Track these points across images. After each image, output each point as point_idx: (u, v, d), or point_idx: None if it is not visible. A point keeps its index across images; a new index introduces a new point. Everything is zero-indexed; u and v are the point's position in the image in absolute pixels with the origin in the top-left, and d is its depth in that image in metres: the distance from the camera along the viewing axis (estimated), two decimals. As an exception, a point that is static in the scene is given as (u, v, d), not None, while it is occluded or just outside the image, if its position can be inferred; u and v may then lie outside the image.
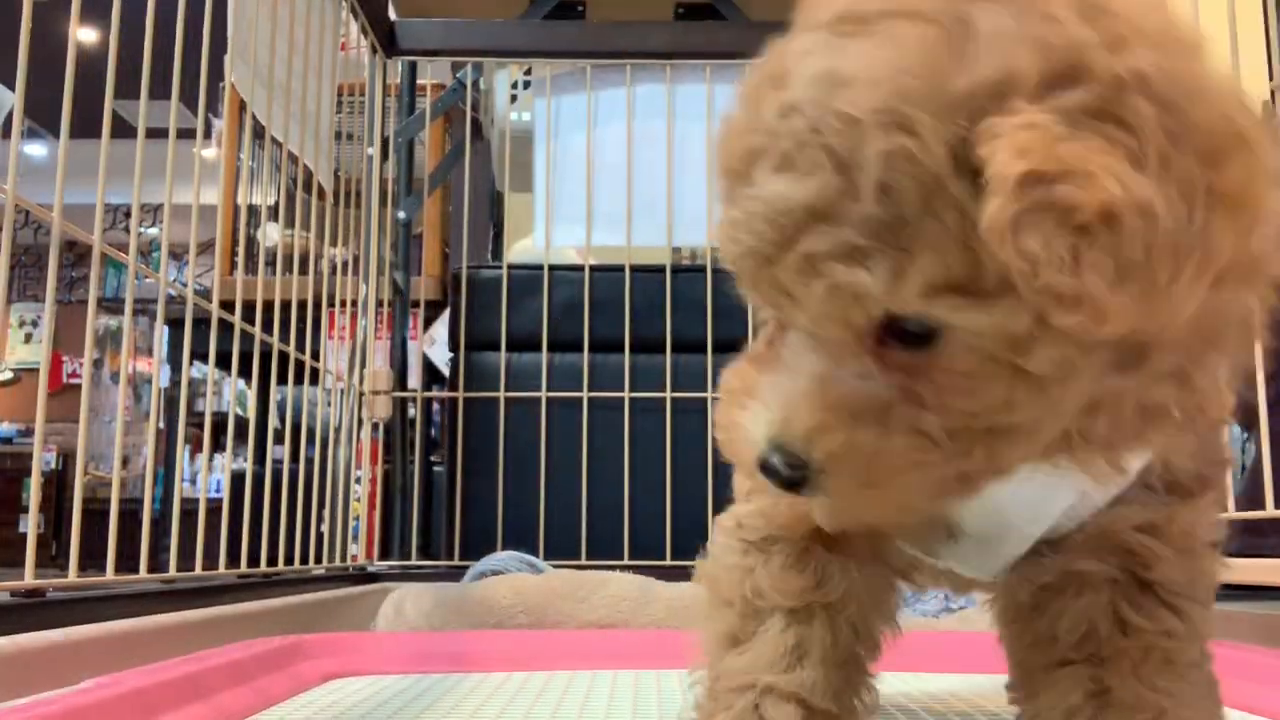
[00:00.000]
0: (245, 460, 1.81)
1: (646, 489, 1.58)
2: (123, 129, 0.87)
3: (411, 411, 1.81)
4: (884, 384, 0.35)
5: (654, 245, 1.72)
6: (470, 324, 1.71)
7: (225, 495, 1.91)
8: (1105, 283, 0.30)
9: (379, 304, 1.69)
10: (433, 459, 2.06)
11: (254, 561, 1.19)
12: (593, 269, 1.71)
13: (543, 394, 1.65)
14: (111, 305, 4.90)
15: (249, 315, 1.19)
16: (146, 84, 0.96)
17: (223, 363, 1.72)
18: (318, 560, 1.39)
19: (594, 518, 1.58)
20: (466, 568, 1.40)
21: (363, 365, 1.63)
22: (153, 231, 5.87)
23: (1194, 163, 0.31)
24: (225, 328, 1.16)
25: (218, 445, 4.16)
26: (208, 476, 1.16)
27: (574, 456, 1.61)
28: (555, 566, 1.40)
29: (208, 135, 2.10)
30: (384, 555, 1.76)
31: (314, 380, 1.47)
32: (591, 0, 2.00)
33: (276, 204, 1.64)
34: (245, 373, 1.21)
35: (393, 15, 1.79)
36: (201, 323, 1.08)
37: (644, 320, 1.65)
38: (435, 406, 2.23)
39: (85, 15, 0.84)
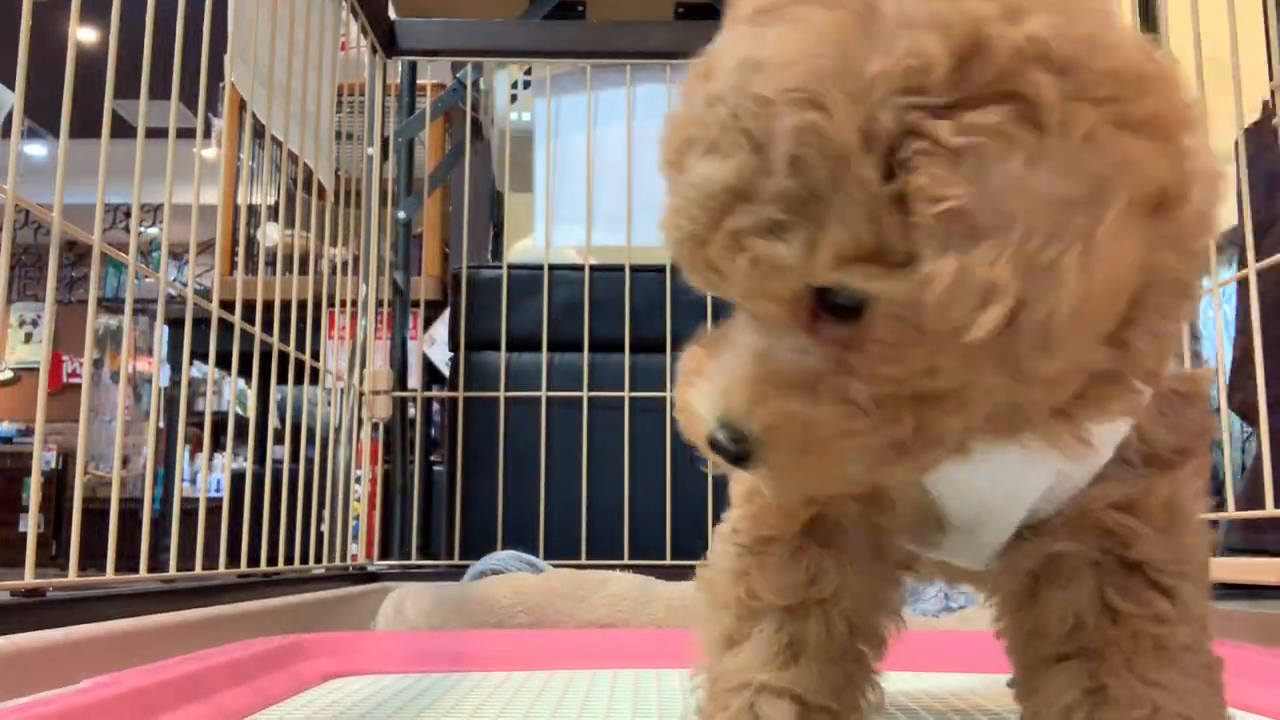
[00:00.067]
0: (245, 460, 1.81)
1: (646, 489, 1.58)
2: (123, 129, 0.87)
3: (411, 411, 1.81)
4: (819, 357, 0.37)
5: (654, 245, 1.71)
6: (470, 324, 1.71)
7: (225, 495, 1.91)
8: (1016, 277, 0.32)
9: (379, 304, 1.69)
10: (433, 459, 2.06)
11: (254, 561, 1.19)
12: (593, 269, 1.71)
13: (543, 394, 1.65)
14: (111, 305, 4.90)
15: (249, 315, 1.19)
16: (146, 84, 0.96)
17: (223, 362, 1.72)
18: (318, 560, 1.39)
19: (594, 518, 1.58)
20: (466, 567, 1.40)
21: (363, 365, 1.63)
22: (153, 231, 5.87)
23: (1102, 110, 0.32)
24: (225, 327, 1.16)
25: (218, 445, 4.16)
26: (208, 476, 1.16)
27: (574, 456, 1.61)
28: (555, 566, 1.40)
29: (208, 135, 2.10)
30: (384, 555, 1.76)
31: (314, 380, 1.47)
32: (591, 0, 2.00)
33: (276, 204, 1.64)
34: (245, 372, 1.21)
35: (393, 15, 1.79)
36: (201, 322, 1.08)
37: (644, 320, 1.65)
38: (435, 406, 2.23)
39: (85, 15, 0.84)
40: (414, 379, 1.92)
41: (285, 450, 1.37)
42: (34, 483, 2.73)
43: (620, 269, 1.68)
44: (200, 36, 1.06)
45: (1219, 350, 1.13)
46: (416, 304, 1.94)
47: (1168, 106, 0.34)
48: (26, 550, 0.80)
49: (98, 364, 5.98)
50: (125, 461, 5.27)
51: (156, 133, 0.85)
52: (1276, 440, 1.00)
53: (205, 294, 1.15)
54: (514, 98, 2.15)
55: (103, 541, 0.91)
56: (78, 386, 2.97)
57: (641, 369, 1.65)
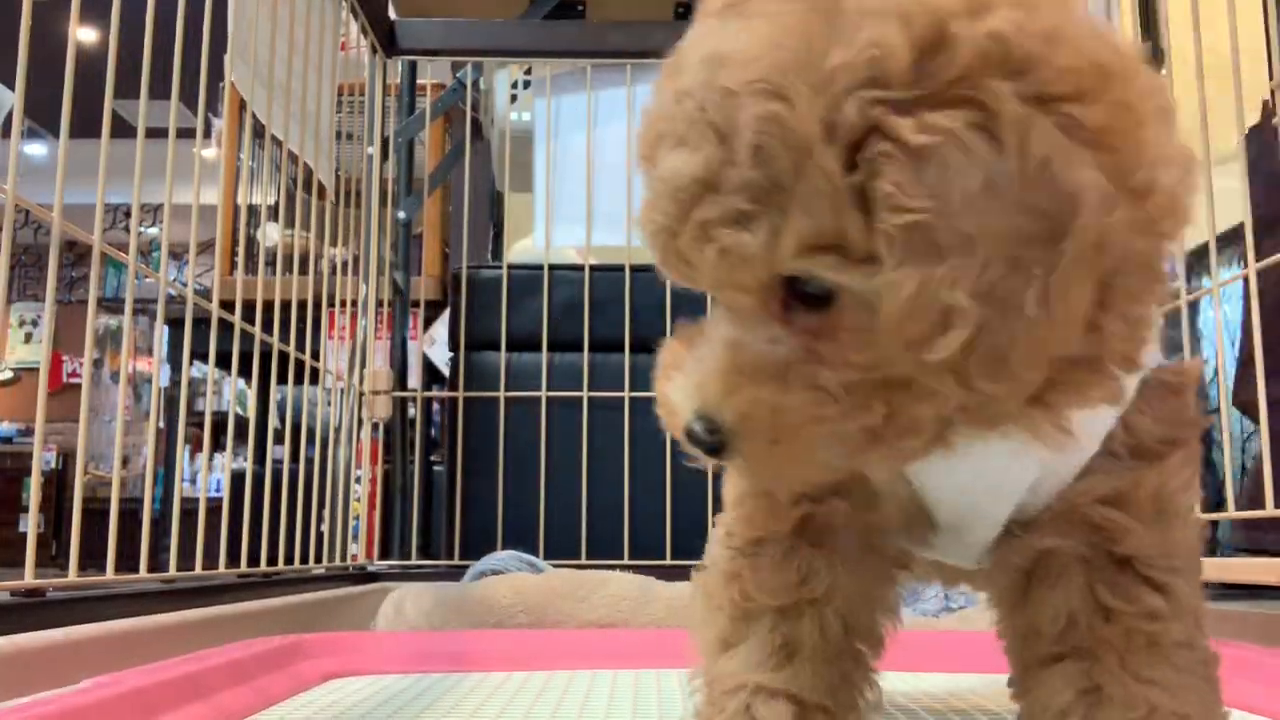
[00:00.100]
0: (245, 460, 1.81)
1: (646, 489, 1.58)
2: (123, 129, 0.87)
3: (411, 411, 1.81)
4: (791, 347, 0.37)
5: (655, 245, 1.71)
6: (470, 324, 1.71)
7: (225, 495, 1.91)
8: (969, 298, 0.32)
9: (379, 304, 1.69)
10: (433, 459, 2.06)
11: (254, 561, 1.19)
12: (593, 269, 1.71)
13: (543, 394, 1.65)
14: (111, 305, 4.90)
15: (249, 315, 1.19)
16: (146, 83, 0.96)
17: (223, 362, 1.72)
18: (318, 560, 1.39)
19: (594, 518, 1.58)
20: (466, 567, 1.40)
21: (363, 365, 1.63)
22: (153, 231, 5.87)
23: (1060, 119, 0.33)
24: (225, 327, 1.16)
25: (218, 445, 4.16)
26: (208, 476, 1.16)
27: (574, 456, 1.61)
28: (555, 566, 1.40)
29: (208, 135, 2.10)
30: (384, 555, 1.76)
31: (314, 380, 1.47)
32: (591, 0, 2.00)
33: (276, 204, 1.64)
34: (245, 372, 1.21)
35: (393, 15, 1.79)
36: (201, 322, 1.08)
37: (644, 320, 1.65)
38: (435, 406, 2.23)
39: (85, 15, 0.84)
40: (414, 379, 1.92)
41: (285, 450, 1.37)
42: (34, 483, 2.73)
43: (620, 269, 1.68)
44: (200, 36, 1.06)
45: (1219, 350, 1.13)
46: (416, 304, 1.94)
47: (1128, 101, 0.34)
48: (26, 550, 0.80)
49: (98, 364, 5.98)
50: (125, 461, 5.27)
51: (156, 133, 0.85)
52: (1277, 440, 1.00)
53: (205, 294, 1.15)
54: (514, 98, 2.15)
55: (103, 541, 0.91)
56: (78, 386, 2.97)
57: (641, 369, 1.64)
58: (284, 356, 1.32)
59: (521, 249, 2.24)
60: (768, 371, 0.37)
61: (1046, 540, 0.45)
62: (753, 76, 0.34)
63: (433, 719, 0.69)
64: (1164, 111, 0.35)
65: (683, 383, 0.39)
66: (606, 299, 1.68)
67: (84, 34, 1.17)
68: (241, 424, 3.46)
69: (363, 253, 1.66)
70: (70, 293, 6.09)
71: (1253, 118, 1.31)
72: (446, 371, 1.93)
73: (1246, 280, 1.01)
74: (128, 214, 1.06)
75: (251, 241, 2.34)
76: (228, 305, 1.15)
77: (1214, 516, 1.17)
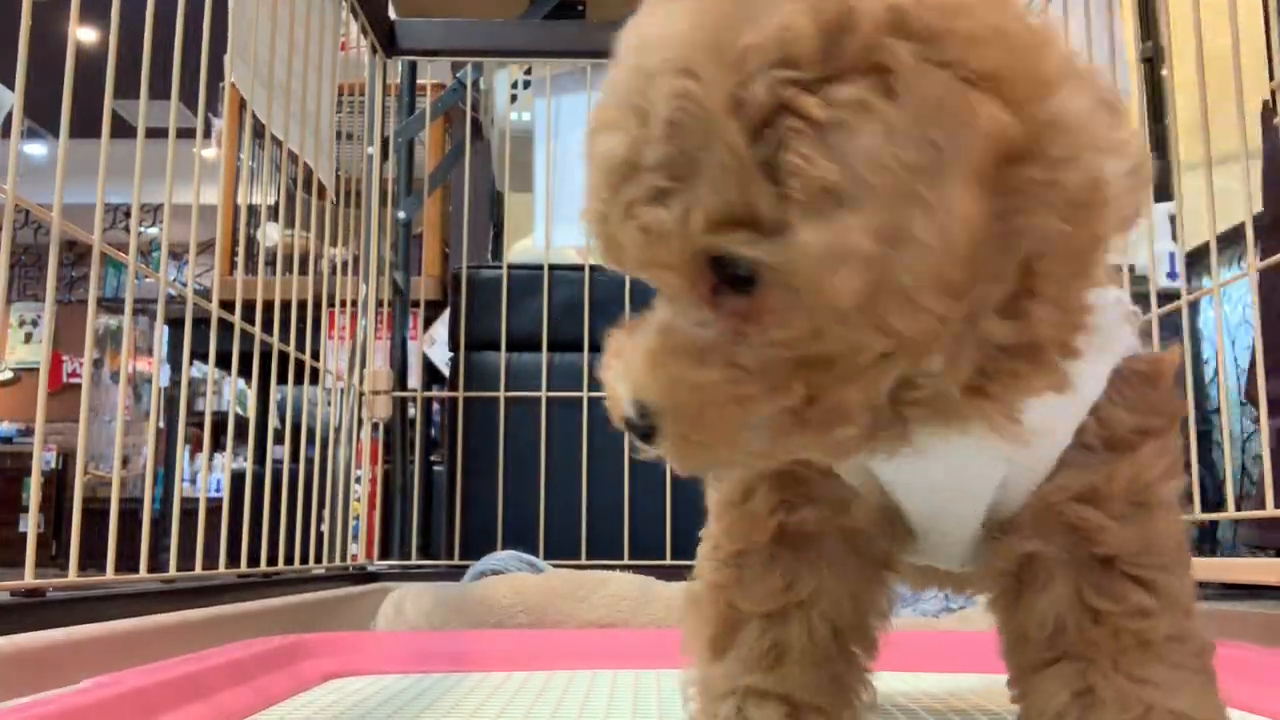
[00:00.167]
0: (245, 460, 1.81)
1: (646, 489, 1.58)
2: (122, 129, 0.87)
3: (411, 411, 1.81)
4: (719, 330, 0.37)
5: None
6: (470, 324, 1.71)
7: (225, 495, 1.91)
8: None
9: (379, 304, 1.69)
10: (433, 459, 2.06)
11: (254, 561, 1.19)
12: (593, 269, 1.71)
13: (543, 394, 1.65)
14: (111, 305, 4.90)
15: (249, 315, 1.19)
16: (146, 83, 0.96)
17: (223, 362, 1.72)
18: (318, 560, 1.39)
19: (594, 518, 1.58)
20: (466, 567, 1.39)
21: (363, 365, 1.63)
22: (153, 231, 5.88)
23: (953, 70, 0.33)
24: (225, 327, 1.16)
25: (218, 445, 4.16)
26: (208, 476, 1.16)
27: (574, 456, 1.61)
28: (555, 566, 1.40)
29: (208, 135, 2.10)
30: (384, 555, 1.76)
31: (314, 380, 1.47)
32: (591, 0, 2.00)
33: (276, 204, 1.64)
34: (245, 372, 1.21)
35: (393, 15, 1.79)
36: (201, 322, 1.08)
37: (644, 320, 1.65)
38: (435, 406, 2.23)
39: (85, 15, 0.84)
40: (414, 379, 1.92)
41: (285, 450, 1.37)
42: (34, 483, 2.73)
43: (620, 269, 1.68)
44: (200, 36, 1.06)
45: (1219, 350, 1.13)
46: (416, 304, 1.94)
47: (1022, 61, 0.34)
48: (26, 550, 0.80)
49: (98, 364, 5.98)
50: (125, 461, 5.27)
51: (156, 133, 0.85)
52: (1278, 440, 1.00)
53: (205, 294, 1.15)
54: (514, 98, 2.15)
55: (103, 541, 0.91)
56: (78, 386, 2.97)
57: (641, 369, 1.64)
58: (284, 356, 1.32)
59: (521, 249, 2.24)
60: (690, 352, 0.38)
61: (1027, 543, 0.45)
62: (668, 57, 0.35)
63: (433, 719, 0.69)
64: (1061, 79, 0.35)
65: (621, 370, 0.40)
66: (606, 299, 1.68)
67: (84, 34, 1.17)
68: (241, 424, 3.46)
69: (363, 253, 1.66)
70: (70, 293, 6.10)
71: (1253, 118, 1.31)
72: (446, 371, 1.93)
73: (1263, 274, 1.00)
74: (128, 214, 1.06)
75: (251, 241, 2.34)
76: (228, 305, 1.15)
77: (1214, 516, 1.17)
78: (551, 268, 1.70)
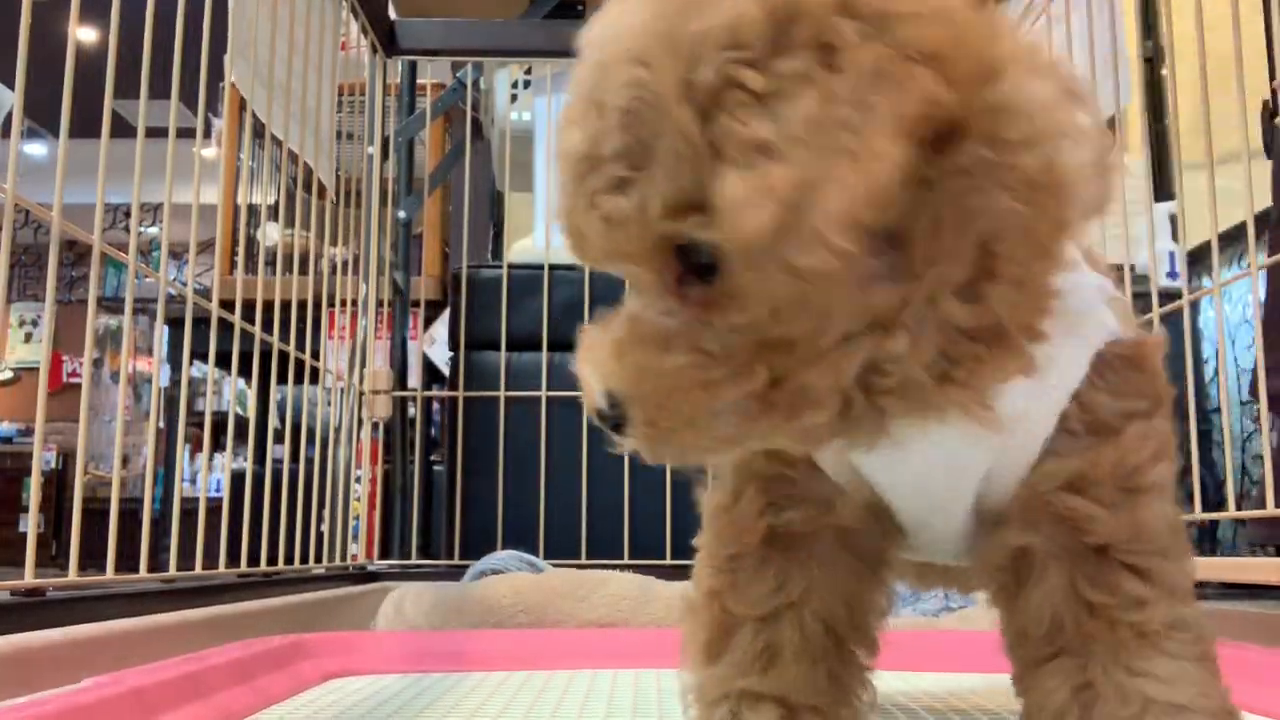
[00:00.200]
0: (245, 460, 1.81)
1: (646, 489, 1.58)
2: (122, 128, 0.87)
3: (411, 411, 1.81)
4: (684, 318, 0.38)
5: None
6: (470, 324, 1.71)
7: (225, 495, 1.91)
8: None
9: (379, 304, 1.69)
10: (433, 459, 2.06)
11: (254, 561, 1.19)
12: (592, 269, 1.70)
13: (543, 394, 1.65)
14: (111, 305, 4.90)
15: (249, 315, 1.19)
16: (146, 83, 0.96)
17: (223, 362, 1.72)
18: (318, 560, 1.39)
19: (594, 518, 1.58)
20: (466, 567, 1.39)
21: (363, 365, 1.63)
22: (153, 231, 5.88)
23: (894, 48, 0.34)
24: (225, 327, 1.15)
25: (218, 445, 4.16)
26: (208, 476, 1.16)
27: (574, 456, 1.61)
28: (555, 566, 1.40)
29: (208, 135, 2.10)
30: (384, 555, 1.76)
31: (314, 380, 1.47)
32: (591, 0, 2.00)
33: (276, 204, 1.64)
34: (245, 372, 1.21)
35: (393, 15, 1.79)
36: (201, 322, 1.08)
37: (644, 320, 1.65)
38: (435, 406, 2.23)
39: (85, 15, 0.83)
40: (414, 379, 1.92)
41: (285, 450, 1.37)
42: (34, 483, 2.73)
43: (620, 269, 1.68)
44: (200, 36, 1.06)
45: (1219, 350, 1.13)
46: (416, 304, 1.94)
47: (966, 43, 0.35)
48: (26, 550, 0.80)
49: (98, 364, 5.98)
50: (125, 461, 5.27)
51: (156, 132, 0.85)
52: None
53: (205, 294, 1.15)
54: (514, 97, 2.15)
55: (103, 541, 0.91)
56: (78, 386, 2.97)
57: (642, 369, 1.64)
58: (284, 356, 1.32)
59: (521, 249, 2.24)
60: (656, 340, 0.38)
61: (1019, 536, 0.45)
62: (623, 48, 0.36)
63: (433, 719, 0.69)
64: (1002, 62, 0.35)
65: (591, 362, 0.40)
66: (607, 299, 1.67)
67: (84, 34, 1.16)
68: (241, 424, 3.46)
69: (363, 252, 1.66)
70: (70, 292, 6.10)
71: (1253, 118, 1.31)
72: (446, 371, 1.93)
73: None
74: (128, 214, 1.06)
75: (251, 241, 2.34)
76: (228, 305, 1.15)
77: (1214, 516, 1.17)
78: (551, 267, 1.70)
